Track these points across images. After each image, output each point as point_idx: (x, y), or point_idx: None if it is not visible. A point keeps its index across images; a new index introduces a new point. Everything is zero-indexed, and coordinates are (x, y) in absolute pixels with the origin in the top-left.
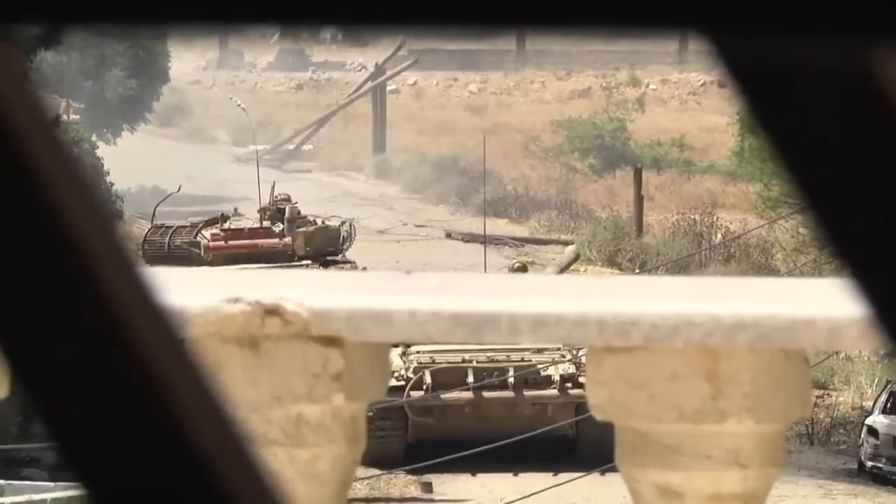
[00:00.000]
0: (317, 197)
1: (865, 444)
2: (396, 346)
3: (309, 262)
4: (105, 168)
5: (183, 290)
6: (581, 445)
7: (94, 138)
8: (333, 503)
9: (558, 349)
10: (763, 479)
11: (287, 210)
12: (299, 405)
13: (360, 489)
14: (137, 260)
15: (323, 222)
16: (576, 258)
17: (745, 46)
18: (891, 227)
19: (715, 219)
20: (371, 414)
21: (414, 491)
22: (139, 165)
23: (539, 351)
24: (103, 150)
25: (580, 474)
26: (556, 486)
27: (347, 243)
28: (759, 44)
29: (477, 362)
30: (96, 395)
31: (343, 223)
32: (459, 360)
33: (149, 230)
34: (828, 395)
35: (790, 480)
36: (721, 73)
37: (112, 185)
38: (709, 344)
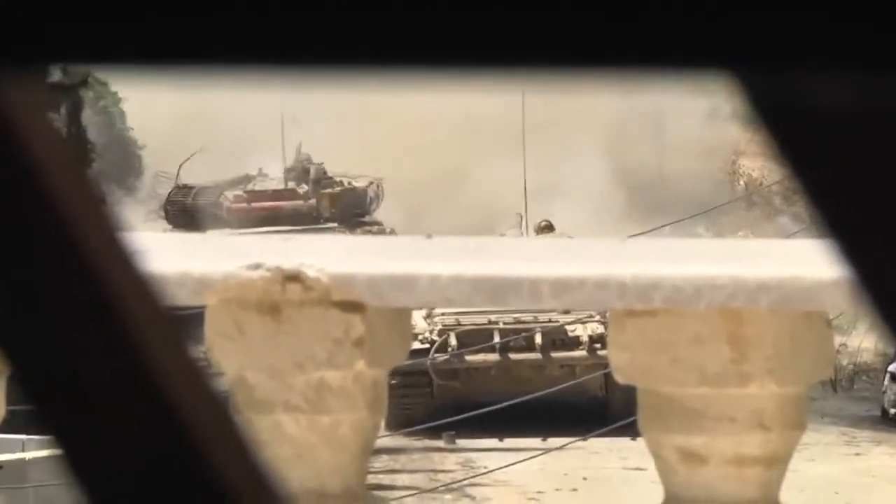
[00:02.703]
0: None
1: (889, 390)
2: (420, 308)
3: (335, 224)
4: (126, 115)
5: (202, 256)
6: (612, 408)
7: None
8: (355, 468)
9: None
10: (785, 441)
11: (312, 171)
12: (321, 371)
13: (381, 442)
14: (160, 220)
15: (349, 183)
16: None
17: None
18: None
19: (737, 166)
20: (395, 381)
21: (438, 443)
22: (161, 114)
23: (566, 311)
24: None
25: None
26: (579, 439)
27: (374, 204)
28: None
29: (503, 324)
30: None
31: (370, 183)
32: (485, 321)
33: (172, 190)
34: (851, 341)
35: (813, 428)
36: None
37: (131, 129)
38: (731, 306)
